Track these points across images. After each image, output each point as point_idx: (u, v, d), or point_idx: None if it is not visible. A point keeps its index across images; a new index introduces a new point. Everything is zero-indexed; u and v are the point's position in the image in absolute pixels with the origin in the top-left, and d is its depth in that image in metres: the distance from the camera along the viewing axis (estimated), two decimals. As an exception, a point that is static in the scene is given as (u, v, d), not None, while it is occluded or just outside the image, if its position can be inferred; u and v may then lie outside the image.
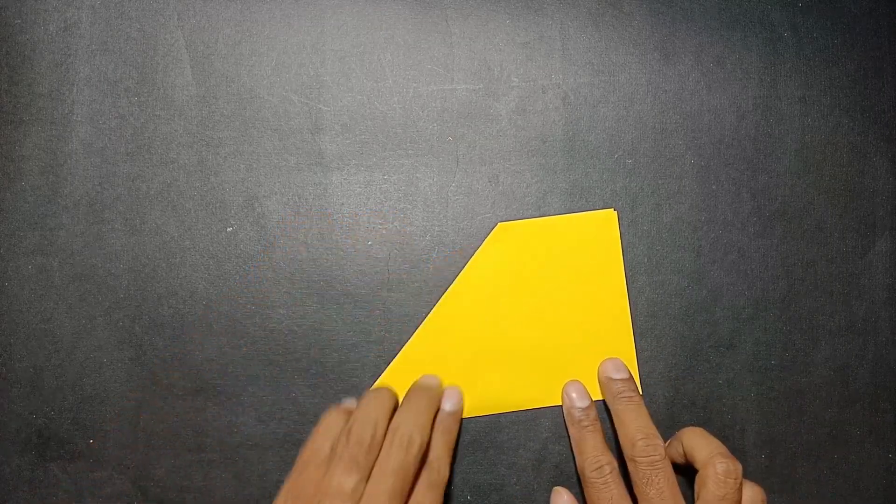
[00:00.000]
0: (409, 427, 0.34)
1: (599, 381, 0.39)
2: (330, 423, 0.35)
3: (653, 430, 0.36)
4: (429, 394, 0.37)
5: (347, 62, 0.41)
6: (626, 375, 0.38)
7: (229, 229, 0.40)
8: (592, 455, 0.36)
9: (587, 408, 0.38)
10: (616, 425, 0.37)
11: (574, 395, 0.39)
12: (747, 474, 0.40)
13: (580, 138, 0.41)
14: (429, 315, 0.40)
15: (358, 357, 0.39)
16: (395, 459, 0.32)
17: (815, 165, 0.42)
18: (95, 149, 0.40)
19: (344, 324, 0.40)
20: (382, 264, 0.40)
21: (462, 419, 0.39)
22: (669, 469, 0.35)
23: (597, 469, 0.36)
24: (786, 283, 0.41)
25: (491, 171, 0.41)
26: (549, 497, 0.38)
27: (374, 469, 0.32)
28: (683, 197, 0.41)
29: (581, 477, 0.37)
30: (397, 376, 0.39)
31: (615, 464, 0.36)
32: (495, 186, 0.41)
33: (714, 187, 0.41)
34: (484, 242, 0.40)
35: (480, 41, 0.41)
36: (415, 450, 0.33)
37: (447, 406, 0.37)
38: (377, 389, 0.37)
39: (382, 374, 0.39)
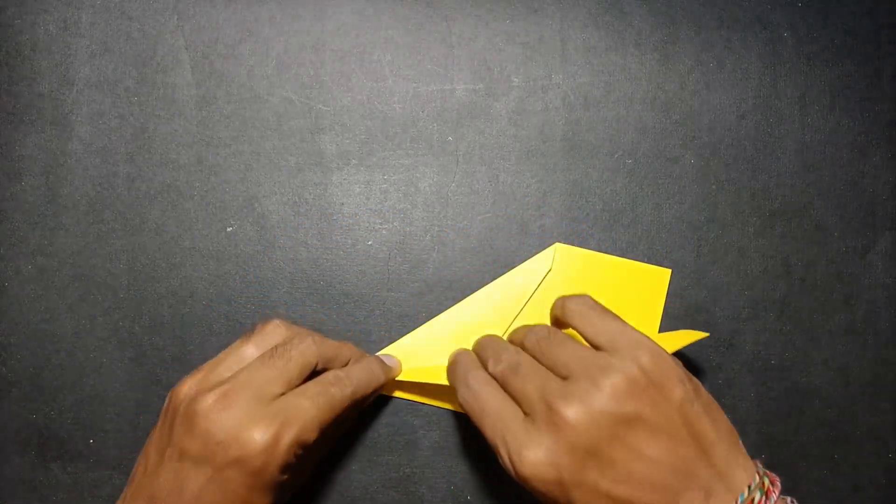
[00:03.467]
0: (307, 333, 0.34)
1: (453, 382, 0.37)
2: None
3: (504, 343, 0.34)
4: (371, 359, 0.37)
5: (347, 62, 0.41)
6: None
7: (229, 229, 0.40)
8: (494, 346, 0.34)
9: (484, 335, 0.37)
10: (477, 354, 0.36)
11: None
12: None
13: (580, 138, 0.41)
14: (453, 307, 0.39)
15: (358, 357, 0.39)
16: (282, 343, 0.33)
17: (815, 165, 0.42)
18: (95, 149, 0.40)
19: (344, 324, 0.40)
20: (382, 264, 0.40)
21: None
22: (557, 332, 0.33)
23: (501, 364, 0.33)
24: (786, 283, 0.41)
25: (491, 171, 0.41)
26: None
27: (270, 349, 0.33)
28: (683, 197, 0.41)
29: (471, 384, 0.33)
30: (399, 354, 0.39)
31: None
32: (495, 186, 0.41)
33: (714, 187, 0.41)
34: (535, 256, 0.40)
35: (480, 41, 0.41)
36: (303, 345, 0.33)
37: (385, 359, 0.38)
38: None
39: (387, 347, 0.39)
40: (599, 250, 0.40)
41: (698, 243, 0.41)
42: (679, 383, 0.30)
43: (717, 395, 0.40)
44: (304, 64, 0.41)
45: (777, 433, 0.40)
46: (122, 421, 0.39)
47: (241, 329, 0.39)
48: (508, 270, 0.40)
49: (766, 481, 0.30)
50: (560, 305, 0.34)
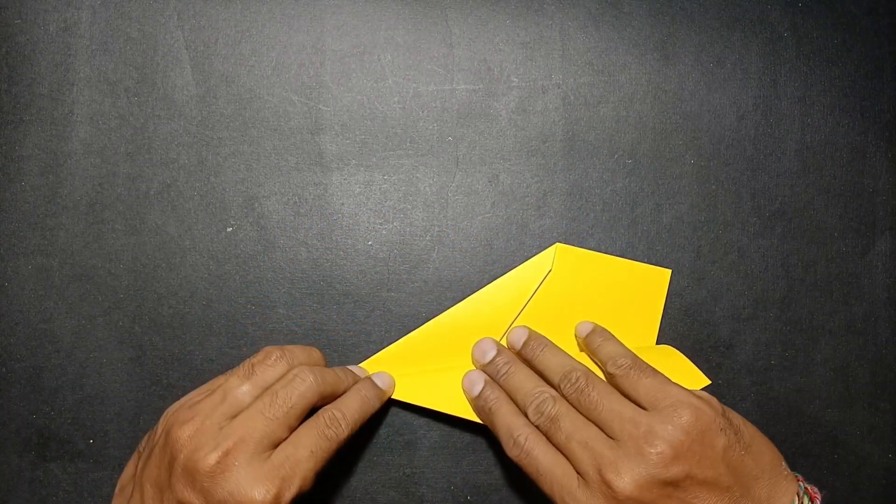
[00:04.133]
0: (304, 368, 0.34)
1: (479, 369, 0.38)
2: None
3: (537, 384, 0.35)
4: (360, 379, 0.37)
5: (347, 62, 0.41)
6: (495, 351, 0.38)
7: (229, 229, 0.40)
8: (528, 390, 0.35)
9: (498, 354, 0.37)
10: (511, 396, 0.36)
11: (479, 353, 0.38)
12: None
13: (580, 138, 0.41)
14: (453, 307, 0.39)
15: (358, 357, 0.39)
16: (281, 384, 0.33)
17: (815, 165, 0.42)
18: (95, 149, 0.40)
19: (344, 324, 0.40)
20: (382, 264, 0.40)
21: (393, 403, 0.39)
22: (595, 381, 0.34)
23: (540, 401, 0.34)
24: (786, 283, 0.41)
25: (491, 171, 0.41)
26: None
27: (267, 389, 0.33)
28: (683, 197, 0.41)
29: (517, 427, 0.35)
30: (400, 355, 0.39)
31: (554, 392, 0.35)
32: (495, 186, 0.41)
33: (714, 187, 0.41)
34: (536, 256, 0.40)
35: (480, 41, 0.41)
36: (305, 385, 0.33)
37: (377, 380, 0.37)
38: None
39: (384, 350, 0.39)
40: (599, 250, 0.40)
41: (698, 243, 0.41)
42: (720, 433, 0.32)
43: (717, 395, 0.40)
44: (304, 64, 0.41)
45: (777, 433, 0.40)
46: (122, 421, 0.39)
47: (241, 329, 0.39)
48: (508, 270, 0.40)
49: (807, 499, 0.32)
50: (602, 362, 0.36)
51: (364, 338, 0.40)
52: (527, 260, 0.40)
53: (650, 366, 0.34)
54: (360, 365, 0.39)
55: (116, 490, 0.35)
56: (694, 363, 0.40)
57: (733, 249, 0.41)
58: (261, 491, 0.30)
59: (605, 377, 0.35)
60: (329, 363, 0.39)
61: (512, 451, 0.34)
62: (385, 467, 0.39)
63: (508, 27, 0.42)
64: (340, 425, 0.34)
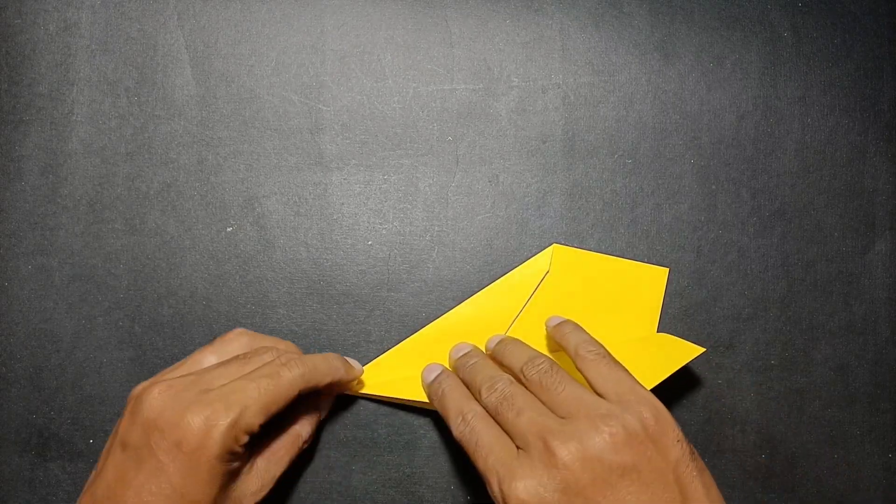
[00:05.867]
0: (273, 355, 0.35)
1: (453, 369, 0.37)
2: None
3: (534, 352, 0.34)
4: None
5: (347, 62, 0.41)
6: (468, 349, 0.37)
7: (229, 229, 0.40)
8: (486, 375, 0.34)
9: (471, 351, 0.37)
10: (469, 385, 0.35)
11: (455, 350, 0.38)
12: (747, 474, 0.40)
13: (580, 138, 0.41)
14: (451, 311, 0.39)
15: (358, 357, 0.39)
16: (245, 357, 0.34)
17: (815, 165, 0.42)
18: (95, 149, 0.40)
19: (344, 324, 0.40)
20: (382, 264, 0.40)
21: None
22: (558, 368, 0.33)
23: (490, 387, 0.33)
24: (786, 283, 0.41)
25: (491, 171, 0.41)
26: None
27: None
28: (683, 197, 0.41)
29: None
30: (399, 358, 0.39)
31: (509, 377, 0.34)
32: (495, 186, 0.41)
33: (714, 187, 0.41)
34: (533, 258, 0.40)
35: (480, 41, 0.41)
36: (272, 356, 0.34)
37: (352, 363, 0.37)
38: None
39: (383, 355, 0.39)
40: (599, 250, 0.40)
41: (698, 243, 0.41)
42: (677, 443, 0.30)
43: (718, 395, 0.40)
44: (304, 64, 0.41)
45: (777, 433, 0.40)
46: (122, 421, 0.39)
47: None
48: (508, 270, 0.40)
49: None
50: (570, 348, 0.34)
51: (364, 338, 0.40)
52: (526, 260, 0.40)
53: (620, 363, 0.33)
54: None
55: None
56: (694, 363, 0.40)
57: (733, 249, 0.41)
58: (195, 413, 0.30)
59: (573, 360, 0.34)
60: (329, 363, 0.39)
61: (457, 429, 0.32)
62: (385, 467, 0.39)
63: (508, 27, 0.42)
64: (294, 365, 0.33)
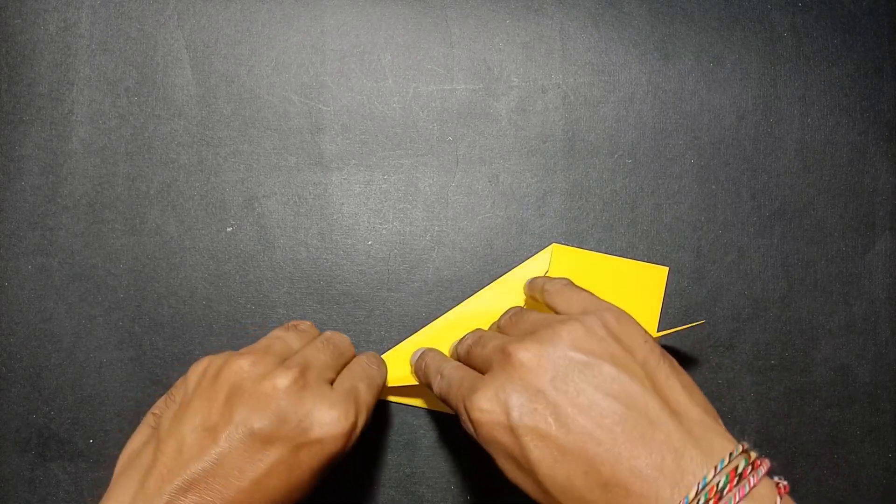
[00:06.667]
0: (342, 336, 0.35)
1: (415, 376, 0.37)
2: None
3: (440, 361, 0.34)
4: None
5: (347, 62, 0.41)
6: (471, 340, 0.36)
7: (229, 229, 0.40)
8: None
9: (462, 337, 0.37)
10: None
11: (458, 341, 0.37)
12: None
13: (580, 138, 0.41)
14: (450, 311, 0.39)
15: (358, 357, 0.39)
16: (327, 336, 0.34)
17: (815, 165, 0.42)
18: (95, 149, 0.40)
19: (344, 324, 0.40)
20: (382, 264, 0.40)
21: None
22: (487, 332, 0.33)
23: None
24: (786, 283, 0.41)
25: (491, 171, 0.41)
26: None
27: (311, 341, 0.33)
28: (683, 197, 0.41)
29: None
30: (398, 359, 0.39)
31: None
32: (495, 186, 0.41)
33: (714, 187, 0.41)
34: (533, 257, 0.40)
35: (480, 41, 0.41)
36: (346, 341, 0.34)
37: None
38: None
39: (384, 354, 0.39)
40: (599, 250, 0.40)
41: (698, 243, 0.41)
42: (644, 343, 0.28)
43: (718, 395, 0.40)
44: (304, 64, 0.41)
45: (777, 433, 0.40)
46: (122, 421, 0.39)
47: (242, 329, 0.39)
48: (508, 270, 0.40)
49: (753, 454, 0.26)
50: (538, 287, 0.34)
51: (364, 338, 0.40)
52: (526, 260, 0.40)
53: (587, 290, 0.33)
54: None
55: (120, 466, 0.31)
56: (694, 363, 0.40)
57: (733, 249, 0.41)
58: (338, 414, 0.29)
59: (542, 300, 0.34)
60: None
61: (437, 385, 0.32)
62: (385, 467, 0.39)
63: (508, 27, 0.42)
64: (378, 367, 0.34)
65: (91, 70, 0.40)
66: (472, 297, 0.40)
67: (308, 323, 0.35)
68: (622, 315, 0.29)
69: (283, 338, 0.33)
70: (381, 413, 0.39)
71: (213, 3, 0.41)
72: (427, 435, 0.39)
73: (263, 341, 0.32)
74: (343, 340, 0.34)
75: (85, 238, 0.40)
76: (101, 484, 0.38)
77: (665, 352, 0.29)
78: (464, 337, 0.35)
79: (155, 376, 0.39)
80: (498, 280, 0.40)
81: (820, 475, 0.40)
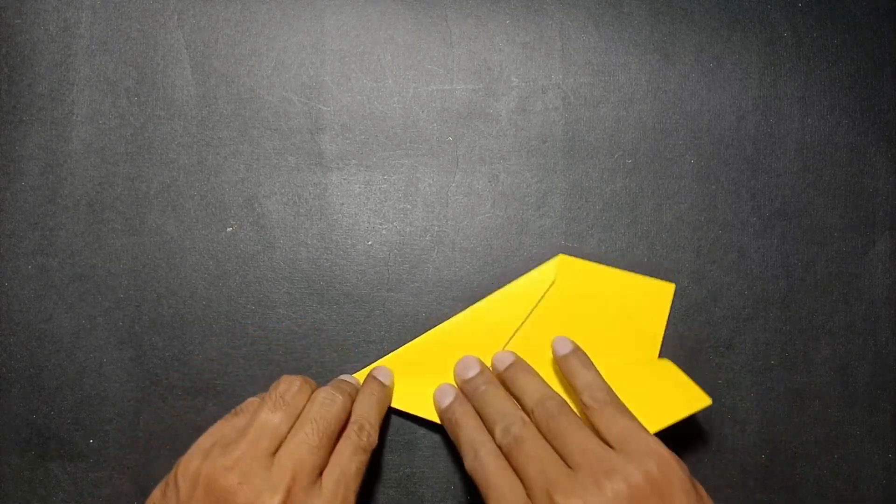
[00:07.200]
0: (329, 390, 0.35)
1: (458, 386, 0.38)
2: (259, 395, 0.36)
3: (510, 406, 0.35)
4: (361, 382, 0.38)
5: (347, 62, 0.41)
6: (477, 369, 0.37)
7: (229, 229, 0.40)
8: (499, 410, 0.34)
9: (480, 373, 0.37)
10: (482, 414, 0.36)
11: (462, 368, 0.38)
12: (747, 474, 0.40)
13: (580, 138, 0.41)
14: (455, 316, 0.39)
15: (358, 357, 0.39)
16: (316, 410, 0.33)
17: (815, 165, 0.42)
18: (95, 149, 0.40)
19: (344, 324, 0.40)
20: (382, 264, 0.40)
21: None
22: (568, 412, 0.34)
23: (505, 428, 0.33)
24: (786, 283, 0.41)
25: (491, 171, 0.41)
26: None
27: (299, 417, 0.33)
28: (683, 197, 0.41)
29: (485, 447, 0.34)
30: (398, 364, 0.39)
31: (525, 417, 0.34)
32: (495, 186, 0.41)
33: (714, 187, 0.41)
34: (539, 267, 0.40)
35: (480, 41, 0.41)
36: (337, 406, 0.34)
37: (380, 377, 0.38)
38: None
39: (381, 360, 0.39)
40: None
41: (698, 243, 0.41)
42: (683, 494, 0.30)
43: (718, 395, 0.40)
44: (304, 64, 0.41)
45: (777, 433, 0.40)
46: (122, 421, 0.39)
47: (241, 329, 0.39)
48: (508, 270, 0.40)
49: None
50: (578, 389, 0.35)
51: (364, 338, 0.40)
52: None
53: (626, 407, 0.34)
54: (353, 375, 0.39)
55: None
56: (694, 363, 0.40)
57: (733, 249, 0.41)
58: None
59: (580, 407, 0.35)
60: (329, 363, 0.39)
61: (470, 463, 0.33)
62: (385, 467, 0.39)
63: (508, 27, 0.42)
64: (371, 434, 0.34)
65: (91, 70, 0.40)
66: (475, 305, 0.39)
67: (296, 386, 0.34)
68: (664, 462, 0.30)
69: (271, 425, 0.32)
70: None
71: (213, 3, 0.41)
72: (427, 435, 0.39)
73: (253, 431, 0.32)
74: (334, 406, 0.34)
75: (85, 238, 0.40)
76: (101, 484, 0.38)
77: (701, 492, 0.31)
78: (491, 399, 0.35)
79: (155, 376, 0.39)
80: (502, 289, 0.40)
81: (820, 475, 0.40)
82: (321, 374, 0.39)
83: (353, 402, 0.35)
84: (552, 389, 0.35)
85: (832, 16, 0.42)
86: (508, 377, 0.37)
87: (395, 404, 0.38)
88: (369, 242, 0.40)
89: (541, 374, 0.38)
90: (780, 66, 0.42)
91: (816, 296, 0.41)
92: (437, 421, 0.38)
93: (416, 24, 0.41)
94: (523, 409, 0.35)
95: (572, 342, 0.38)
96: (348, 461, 0.33)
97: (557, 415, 0.33)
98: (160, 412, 0.39)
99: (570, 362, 0.36)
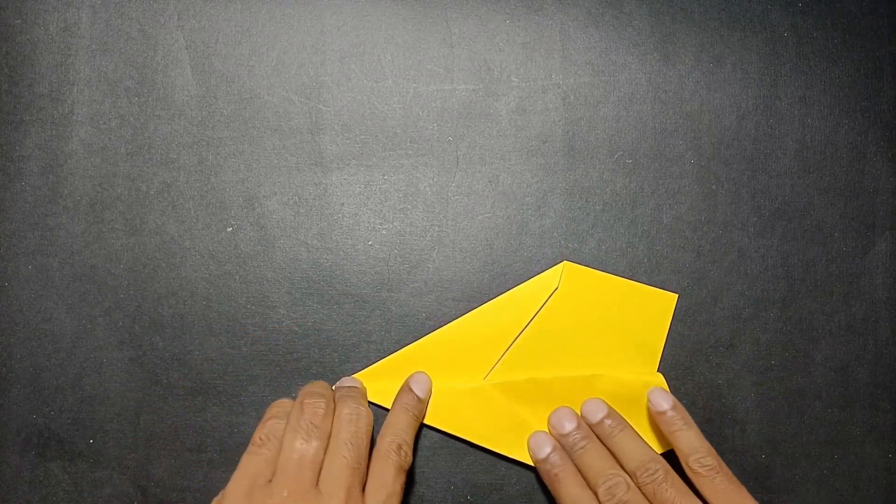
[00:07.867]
0: (350, 404, 0.35)
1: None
2: (281, 404, 0.35)
3: (612, 466, 0.35)
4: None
5: (347, 62, 0.41)
6: (575, 423, 0.37)
7: (229, 229, 0.40)
8: (601, 470, 0.35)
9: (577, 428, 0.37)
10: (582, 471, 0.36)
11: (557, 422, 0.37)
12: (747, 474, 0.40)
13: (580, 138, 0.41)
14: (458, 319, 0.39)
15: (358, 357, 0.39)
16: (346, 429, 0.33)
17: (815, 165, 0.42)
18: (95, 149, 0.40)
19: (344, 324, 0.40)
20: (382, 264, 0.40)
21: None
22: (673, 478, 0.34)
23: (610, 485, 0.34)
24: (786, 283, 0.41)
25: (491, 171, 0.41)
26: (549, 498, 0.38)
27: (331, 439, 0.33)
28: (683, 197, 0.41)
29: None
30: (399, 366, 0.39)
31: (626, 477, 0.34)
32: (495, 186, 0.41)
33: (714, 187, 0.41)
34: (543, 273, 0.40)
35: (480, 41, 0.41)
36: (363, 420, 0.34)
37: (417, 391, 0.38)
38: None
39: (381, 361, 0.39)
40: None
41: (698, 243, 0.41)
42: None
43: (718, 395, 0.40)
44: (304, 64, 0.41)
45: (777, 433, 0.40)
46: (122, 421, 0.39)
47: (241, 329, 0.39)
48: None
49: None
50: (683, 452, 0.35)
51: (364, 338, 0.40)
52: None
53: (733, 476, 0.34)
54: (354, 376, 0.39)
55: None
56: (694, 363, 0.40)
57: (733, 249, 0.41)
58: None
59: (685, 468, 0.34)
60: (329, 363, 0.39)
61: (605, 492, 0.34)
62: (385, 467, 0.39)
63: (508, 27, 0.42)
64: (408, 454, 0.35)
65: (91, 70, 0.40)
66: (477, 309, 0.39)
67: (321, 408, 0.34)
68: None
69: (308, 454, 0.32)
70: (380, 413, 0.39)
71: (213, 3, 0.41)
72: (427, 435, 0.39)
73: (294, 465, 0.32)
74: (361, 421, 0.34)
75: (85, 238, 0.40)
76: (101, 484, 0.38)
77: None
78: (593, 459, 0.35)
79: (155, 376, 0.39)
80: (505, 294, 0.40)
81: (820, 475, 0.40)
82: (321, 375, 0.39)
83: (367, 402, 0.36)
84: (651, 449, 0.35)
85: (832, 16, 0.42)
86: (604, 432, 0.37)
87: (391, 406, 0.38)
88: (369, 242, 0.40)
89: (541, 374, 0.38)
90: (780, 66, 0.42)
91: (816, 296, 0.41)
92: (437, 423, 0.38)
93: (416, 24, 0.41)
94: (623, 468, 0.35)
95: (671, 396, 0.37)
96: (393, 482, 0.33)
97: (664, 481, 0.33)
98: (160, 412, 0.39)
99: (672, 420, 0.36)
